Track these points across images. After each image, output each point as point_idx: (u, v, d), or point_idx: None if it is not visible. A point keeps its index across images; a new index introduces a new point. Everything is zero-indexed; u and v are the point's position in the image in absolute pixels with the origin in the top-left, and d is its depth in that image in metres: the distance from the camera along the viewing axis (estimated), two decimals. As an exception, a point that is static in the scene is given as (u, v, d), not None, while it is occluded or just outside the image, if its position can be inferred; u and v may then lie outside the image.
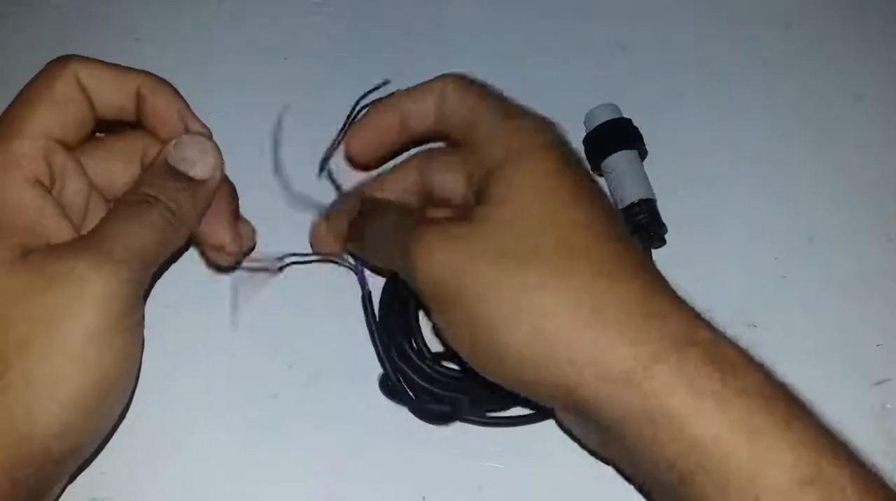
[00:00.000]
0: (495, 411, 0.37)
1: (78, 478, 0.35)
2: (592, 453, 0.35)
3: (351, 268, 0.39)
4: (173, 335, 0.38)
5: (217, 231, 0.34)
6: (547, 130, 0.34)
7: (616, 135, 0.43)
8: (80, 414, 0.29)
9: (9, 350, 0.28)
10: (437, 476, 0.37)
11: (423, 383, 0.37)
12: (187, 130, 0.34)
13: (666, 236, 0.41)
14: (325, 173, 0.41)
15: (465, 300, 0.30)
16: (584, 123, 0.44)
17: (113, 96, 0.33)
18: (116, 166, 0.34)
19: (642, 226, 0.41)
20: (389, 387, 0.38)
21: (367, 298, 0.38)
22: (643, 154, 0.43)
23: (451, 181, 0.35)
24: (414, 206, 0.36)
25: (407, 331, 0.38)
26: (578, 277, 0.29)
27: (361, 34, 0.49)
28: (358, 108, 0.40)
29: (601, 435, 0.30)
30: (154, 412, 0.37)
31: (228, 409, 0.38)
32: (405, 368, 0.37)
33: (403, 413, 0.38)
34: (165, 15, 0.49)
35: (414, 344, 0.38)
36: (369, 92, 0.40)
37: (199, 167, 0.33)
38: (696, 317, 0.29)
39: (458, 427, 0.38)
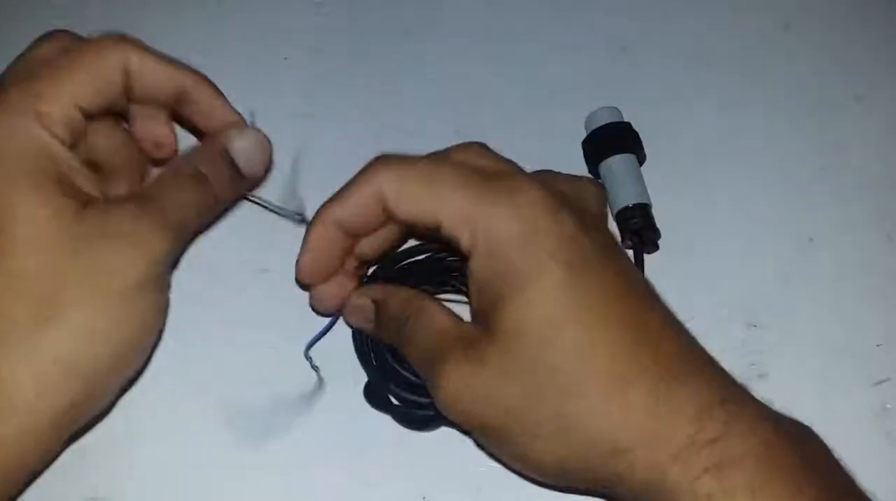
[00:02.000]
0: None
1: (76, 477, 0.35)
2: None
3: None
4: (174, 335, 0.38)
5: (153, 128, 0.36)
6: (544, 219, 0.30)
7: (614, 139, 0.43)
8: (112, 355, 0.31)
9: (60, 293, 0.29)
10: (437, 476, 0.37)
11: (405, 392, 0.37)
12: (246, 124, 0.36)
13: (667, 236, 0.41)
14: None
15: (490, 436, 0.32)
16: (585, 125, 0.44)
17: (155, 89, 0.34)
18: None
19: (635, 230, 0.40)
20: (373, 396, 0.38)
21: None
22: (642, 159, 0.43)
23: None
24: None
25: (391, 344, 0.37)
26: (590, 417, 0.30)
27: (361, 34, 0.49)
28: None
29: None
30: (154, 412, 0.37)
31: (228, 409, 0.38)
32: (388, 378, 0.37)
33: (403, 413, 0.38)
34: (165, 15, 0.49)
35: (398, 354, 0.37)
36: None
37: (252, 163, 0.34)
38: (696, 416, 0.29)
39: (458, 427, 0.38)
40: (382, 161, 0.33)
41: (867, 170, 0.45)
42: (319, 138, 0.43)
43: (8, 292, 0.29)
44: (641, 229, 0.40)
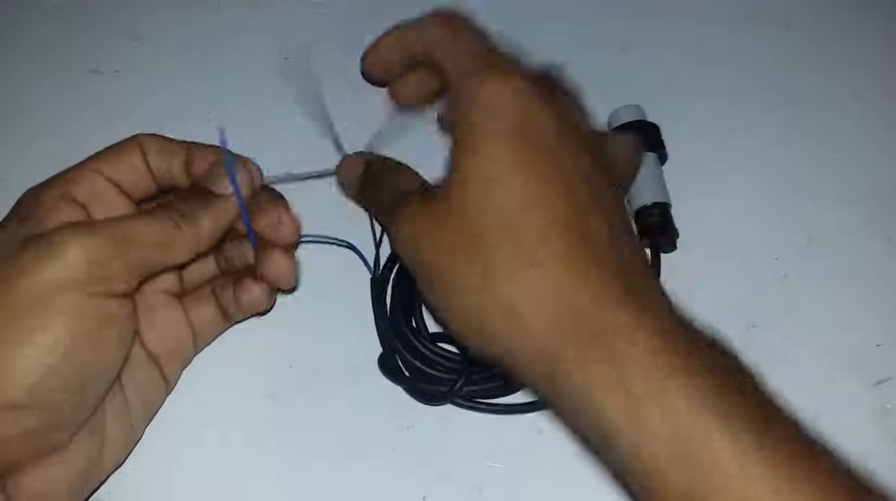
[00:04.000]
0: (489, 397, 0.38)
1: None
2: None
3: (359, 255, 0.40)
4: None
5: (273, 263, 0.36)
6: (517, 98, 0.32)
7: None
8: (40, 368, 0.30)
9: None
10: (437, 476, 0.37)
11: (417, 362, 0.38)
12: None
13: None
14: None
15: (426, 278, 0.33)
16: (608, 120, 0.44)
17: (164, 158, 0.36)
18: None
19: (654, 228, 0.41)
20: (387, 365, 0.38)
21: (374, 280, 0.40)
22: (662, 159, 0.43)
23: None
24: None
25: (408, 311, 0.39)
26: (504, 277, 0.31)
27: (361, 34, 0.49)
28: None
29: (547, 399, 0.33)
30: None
31: (228, 409, 0.38)
32: (401, 347, 0.38)
33: (403, 413, 0.38)
34: (165, 15, 0.49)
35: (413, 324, 0.39)
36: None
37: (212, 177, 0.35)
38: (602, 302, 0.30)
39: (458, 427, 0.38)
40: (440, 9, 0.37)
41: (867, 170, 0.45)
42: (319, 138, 0.43)
43: None
44: (660, 228, 0.41)
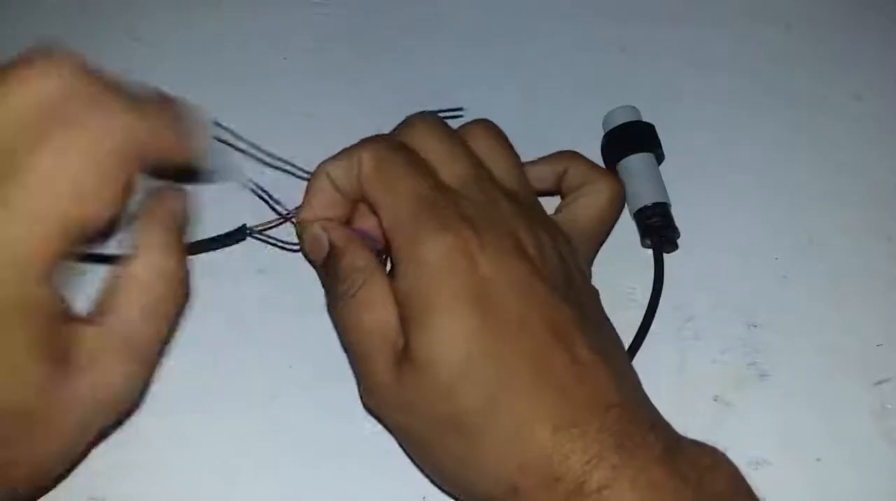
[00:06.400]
0: None
1: (75, 477, 0.35)
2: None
3: None
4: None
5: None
6: (459, 254, 0.30)
7: (633, 138, 0.43)
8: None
9: None
10: (436, 476, 0.37)
11: None
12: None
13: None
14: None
15: (404, 441, 0.35)
16: (603, 123, 0.44)
17: None
18: None
19: (654, 229, 0.41)
20: None
21: None
22: (660, 158, 0.43)
23: None
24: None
25: None
26: (490, 458, 0.30)
27: (361, 34, 0.49)
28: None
29: None
30: (152, 411, 0.37)
31: (228, 410, 0.38)
32: None
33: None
34: (165, 15, 0.49)
35: None
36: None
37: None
38: (587, 463, 0.29)
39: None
40: (373, 140, 0.34)
41: (867, 170, 0.45)
42: (319, 138, 0.43)
43: None
44: (661, 228, 0.41)
